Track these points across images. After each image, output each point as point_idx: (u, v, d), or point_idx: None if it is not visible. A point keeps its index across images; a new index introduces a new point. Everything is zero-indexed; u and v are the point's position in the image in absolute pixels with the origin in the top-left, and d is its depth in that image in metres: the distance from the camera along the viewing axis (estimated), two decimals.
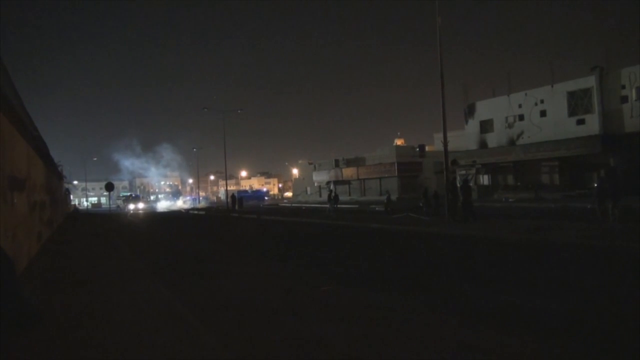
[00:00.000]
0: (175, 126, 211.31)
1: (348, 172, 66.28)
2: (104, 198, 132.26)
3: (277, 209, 47.80)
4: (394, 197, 46.25)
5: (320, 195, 70.48)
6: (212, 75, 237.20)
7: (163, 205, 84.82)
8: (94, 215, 49.43)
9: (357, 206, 43.29)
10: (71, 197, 74.97)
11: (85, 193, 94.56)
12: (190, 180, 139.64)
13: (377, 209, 35.79)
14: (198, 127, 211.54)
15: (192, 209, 60.61)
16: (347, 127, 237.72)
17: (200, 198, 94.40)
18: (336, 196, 33.73)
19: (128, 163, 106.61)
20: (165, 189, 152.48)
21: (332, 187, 62.95)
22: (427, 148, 59.71)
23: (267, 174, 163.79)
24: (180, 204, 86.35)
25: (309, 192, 74.96)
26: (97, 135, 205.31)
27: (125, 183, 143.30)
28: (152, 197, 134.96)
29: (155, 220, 36.56)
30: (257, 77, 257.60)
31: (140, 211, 64.19)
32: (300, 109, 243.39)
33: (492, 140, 44.83)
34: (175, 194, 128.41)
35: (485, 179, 45.81)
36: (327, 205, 35.75)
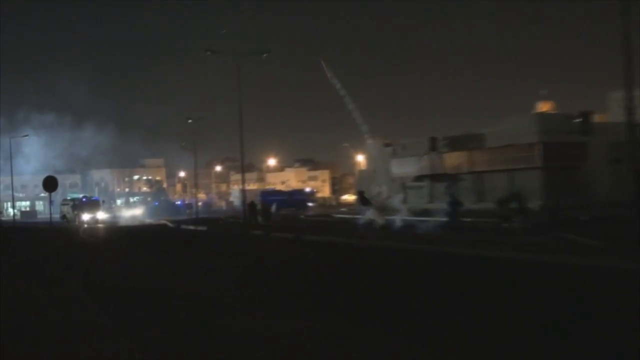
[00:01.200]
0: (157, 84, 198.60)
1: (452, 160, 59.21)
2: (43, 202, 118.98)
3: (336, 224, 43.31)
4: (534, 204, 36.49)
5: (406, 200, 57.98)
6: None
7: (131, 214, 78.90)
8: (22, 232, 46.64)
9: (468, 219, 37.37)
10: None
11: (12, 194, 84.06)
12: (183, 174, 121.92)
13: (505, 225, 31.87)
14: (197, 86, 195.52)
15: (186, 221, 54.76)
16: (446, 84, 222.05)
17: (199, 202, 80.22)
18: (457, 202, 32.42)
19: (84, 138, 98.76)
20: (140, 186, 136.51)
21: (440, 186, 55.64)
22: (595, 118, 51.19)
23: (312, 163, 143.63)
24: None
25: (385, 193, 62.52)
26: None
27: (77, 178, 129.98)
28: (119, 201, 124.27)
29: (126, 245, 34.97)
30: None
31: (100, 224, 59.79)
32: (359, 61, 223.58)
33: None
34: (158, 194, 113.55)
35: None
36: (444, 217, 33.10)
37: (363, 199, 37.83)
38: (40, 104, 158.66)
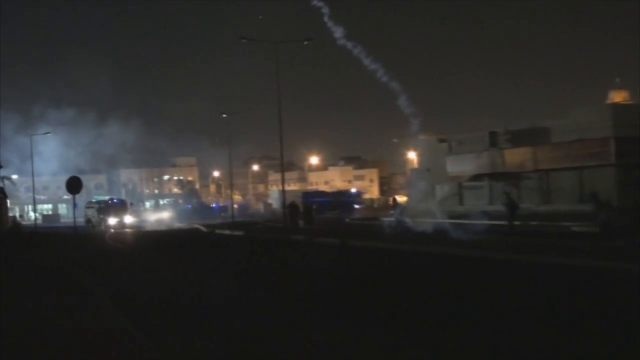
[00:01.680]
0: (188, 76, 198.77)
1: (515, 157, 58.18)
2: (66, 205, 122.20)
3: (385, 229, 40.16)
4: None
5: (462, 202, 56.34)
6: None
7: (156, 217, 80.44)
8: (45, 237, 45.81)
9: (535, 223, 37.38)
10: (8, 203, 63.16)
11: (33, 196, 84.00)
12: (217, 173, 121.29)
13: (575, 229, 32.42)
14: (231, 78, 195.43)
15: (221, 225, 54.13)
16: (506, 74, 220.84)
17: (235, 205, 79.64)
18: (513, 204, 32.35)
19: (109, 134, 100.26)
20: (170, 188, 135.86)
21: (500, 186, 55.99)
22: None
23: (358, 161, 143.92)
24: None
25: (439, 195, 65.92)
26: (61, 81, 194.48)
27: (102, 179, 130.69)
28: (147, 204, 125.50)
29: (157, 253, 34.55)
30: None
31: (128, 229, 59.86)
32: (411, 51, 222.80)
33: None
34: (190, 196, 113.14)
35: None
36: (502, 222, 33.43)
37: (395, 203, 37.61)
38: (62, 99, 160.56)
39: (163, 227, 62.86)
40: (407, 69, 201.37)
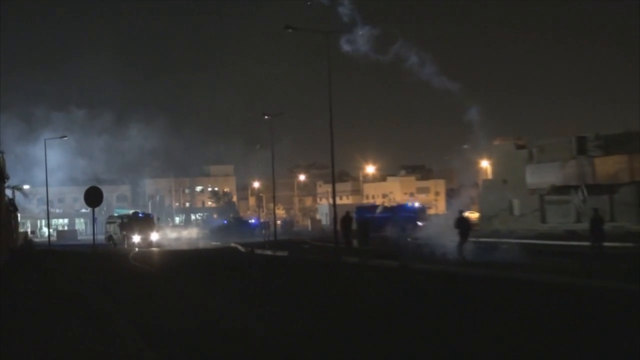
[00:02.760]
0: (225, 74, 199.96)
1: (607, 167, 57.56)
2: (84, 219, 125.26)
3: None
4: None
5: (544, 219, 55.97)
6: None
7: (179, 235, 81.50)
8: (58, 258, 46.63)
9: (630, 244, 37.37)
10: (19, 217, 65.25)
11: (47, 209, 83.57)
12: (257, 184, 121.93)
13: None
14: (275, 76, 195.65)
15: (262, 245, 54.99)
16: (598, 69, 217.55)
17: (278, 221, 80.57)
18: (599, 220, 31.69)
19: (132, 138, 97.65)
20: (204, 200, 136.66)
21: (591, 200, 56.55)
22: None
23: (422, 171, 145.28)
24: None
25: (517, 211, 65.70)
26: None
27: (125, 190, 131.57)
28: (177, 219, 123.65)
29: (189, 277, 35.55)
30: None
31: (154, 248, 61.01)
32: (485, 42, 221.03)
33: None
34: (227, 210, 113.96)
35: None
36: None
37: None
38: (81, 100, 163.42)
39: (194, 246, 63.44)
40: (481, 66, 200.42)
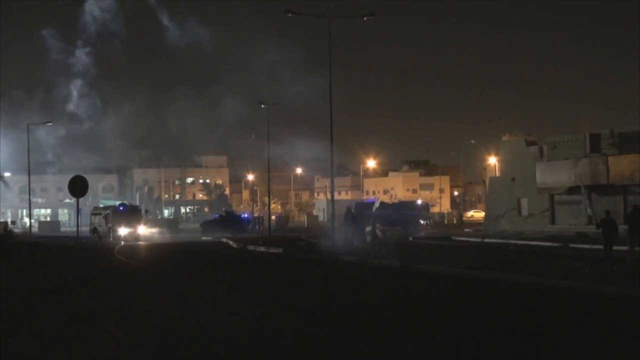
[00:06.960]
0: (218, 58, 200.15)
1: (622, 165, 56.84)
2: (68, 210, 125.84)
3: (457, 250, 43.02)
4: None
5: (553, 221, 55.76)
6: None
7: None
8: (44, 250, 47.02)
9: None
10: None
11: (28, 198, 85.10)
12: (251, 177, 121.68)
13: None
14: (272, 62, 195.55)
15: (255, 241, 54.38)
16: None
17: (273, 216, 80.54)
18: (611, 222, 30.67)
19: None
20: (195, 192, 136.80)
21: (602, 201, 54.39)
22: None
23: (426, 166, 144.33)
24: None
25: (525, 211, 65.37)
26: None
27: (112, 180, 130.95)
28: (166, 211, 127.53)
29: (178, 272, 34.85)
30: None
31: (141, 242, 60.61)
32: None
33: None
34: (220, 203, 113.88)
35: None
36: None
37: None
38: (65, 85, 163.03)
39: (184, 240, 63.48)
40: (490, 58, 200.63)
